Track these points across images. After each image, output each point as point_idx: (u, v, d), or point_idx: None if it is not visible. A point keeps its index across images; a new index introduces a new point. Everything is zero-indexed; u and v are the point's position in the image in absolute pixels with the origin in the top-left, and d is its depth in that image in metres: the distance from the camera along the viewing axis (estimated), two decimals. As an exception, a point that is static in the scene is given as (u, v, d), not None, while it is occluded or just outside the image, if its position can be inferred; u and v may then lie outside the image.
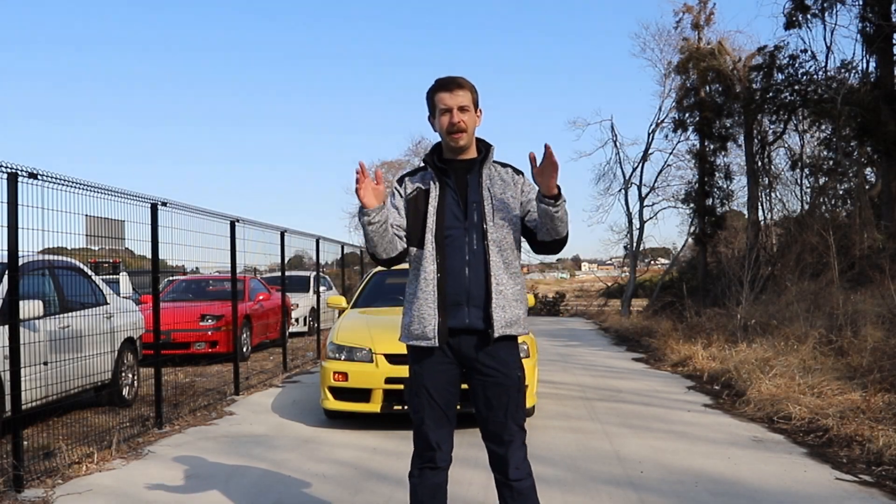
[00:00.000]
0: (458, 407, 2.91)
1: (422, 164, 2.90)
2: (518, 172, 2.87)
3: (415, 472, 2.81)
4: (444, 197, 2.77)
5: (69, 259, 6.72)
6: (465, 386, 2.84)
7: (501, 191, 2.78)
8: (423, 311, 2.72)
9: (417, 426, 2.79)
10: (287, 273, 11.03)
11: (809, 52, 16.43)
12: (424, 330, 2.72)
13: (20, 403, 4.48)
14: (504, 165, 2.88)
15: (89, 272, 7.11)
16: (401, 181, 2.89)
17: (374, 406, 5.79)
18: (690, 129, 21.24)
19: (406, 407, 5.67)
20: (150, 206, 6.14)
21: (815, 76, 16.36)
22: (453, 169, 2.80)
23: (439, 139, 2.84)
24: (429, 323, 2.71)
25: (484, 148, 2.83)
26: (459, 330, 2.72)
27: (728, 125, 20.09)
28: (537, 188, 2.68)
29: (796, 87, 16.69)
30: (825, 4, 15.53)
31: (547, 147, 2.50)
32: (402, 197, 2.84)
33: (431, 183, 2.80)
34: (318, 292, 13.16)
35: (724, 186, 20.73)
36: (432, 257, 2.73)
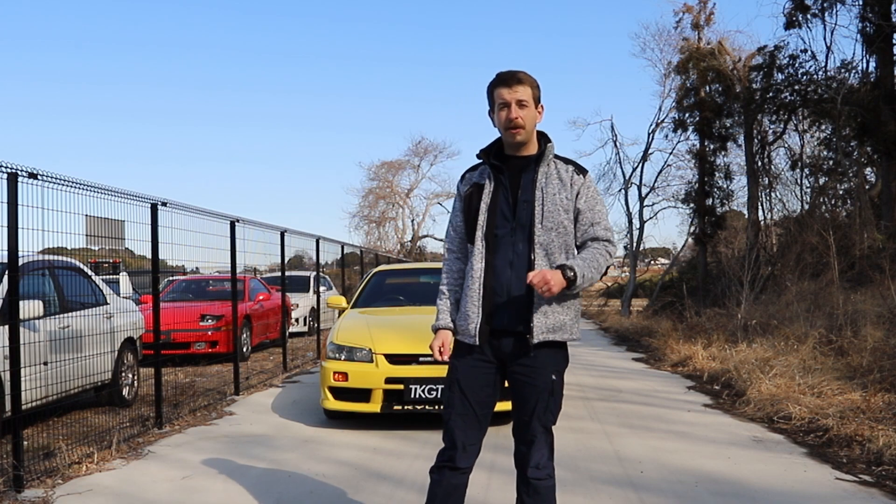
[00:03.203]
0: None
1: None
2: (580, 172, 2.76)
3: (435, 469, 2.81)
4: (496, 194, 2.74)
5: (69, 259, 6.73)
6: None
7: (556, 192, 2.70)
8: (468, 308, 2.73)
9: (446, 421, 2.79)
10: (287, 273, 11.03)
11: (809, 52, 16.44)
12: (468, 327, 2.72)
13: (20, 403, 4.48)
14: (567, 162, 2.79)
15: (89, 272, 7.11)
16: (462, 178, 2.89)
17: (374, 406, 5.79)
18: (690, 129, 21.23)
19: (406, 407, 5.70)
20: (150, 206, 6.14)
21: (815, 76, 16.36)
22: (510, 165, 2.76)
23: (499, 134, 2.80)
24: (472, 321, 2.71)
25: (544, 144, 2.77)
26: (500, 330, 2.71)
27: (728, 125, 20.08)
28: (595, 198, 2.74)
29: (796, 87, 16.69)
30: (825, 4, 15.53)
31: (529, 276, 2.52)
32: (460, 196, 2.86)
33: (487, 179, 2.78)
34: (318, 292, 13.17)
35: (724, 186, 20.72)
36: (480, 255, 2.72)
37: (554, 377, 2.72)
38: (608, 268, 2.78)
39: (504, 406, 2.89)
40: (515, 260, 2.68)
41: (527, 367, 2.70)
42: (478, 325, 2.70)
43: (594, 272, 2.64)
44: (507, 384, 2.83)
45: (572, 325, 2.74)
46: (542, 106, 2.77)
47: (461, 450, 2.75)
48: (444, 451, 2.79)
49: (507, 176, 2.75)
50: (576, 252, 2.74)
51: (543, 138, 2.79)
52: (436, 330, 2.86)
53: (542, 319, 2.65)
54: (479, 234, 2.73)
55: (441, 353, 2.81)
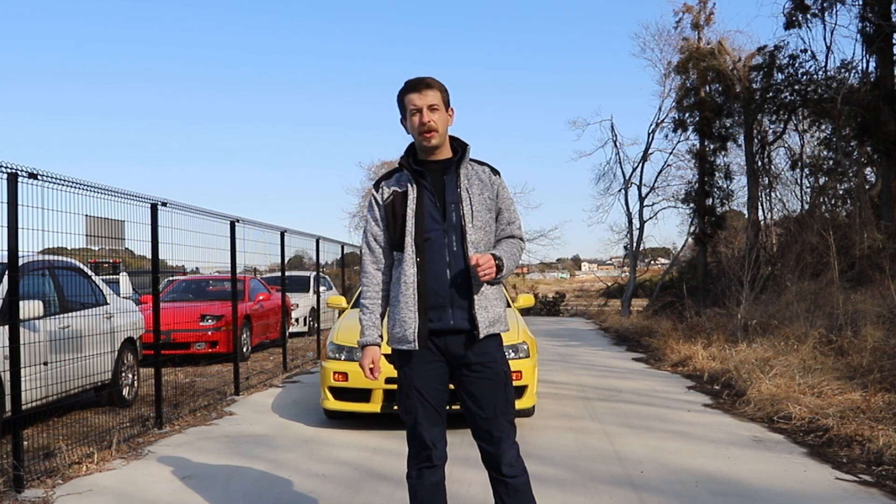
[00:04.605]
0: (451, 407, 2.92)
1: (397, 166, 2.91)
2: (495, 172, 2.89)
3: (412, 473, 2.82)
4: (421, 199, 2.77)
5: (69, 259, 6.72)
6: (452, 386, 2.85)
7: (479, 192, 2.80)
8: (403, 314, 2.74)
9: (411, 427, 2.80)
10: (287, 273, 11.03)
11: (809, 52, 16.44)
12: (405, 333, 2.73)
13: (20, 403, 4.48)
14: (481, 164, 2.89)
15: (89, 272, 7.11)
16: (377, 186, 2.89)
17: (374, 406, 5.79)
18: (690, 128, 21.24)
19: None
20: (150, 206, 6.14)
21: (815, 76, 16.36)
22: (429, 170, 2.80)
23: (412, 140, 2.85)
24: (409, 326, 2.72)
25: (460, 147, 2.83)
26: (445, 331, 2.73)
27: (728, 125, 20.08)
28: (509, 197, 2.88)
29: (796, 87, 16.68)
30: (825, 4, 15.53)
31: (471, 256, 2.63)
32: (379, 205, 2.85)
33: (409, 185, 2.80)
34: (318, 292, 13.17)
35: (724, 186, 20.73)
36: (412, 260, 2.73)
37: (505, 369, 2.80)
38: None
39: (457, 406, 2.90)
40: (452, 261, 2.73)
41: (477, 364, 2.74)
42: (416, 330, 2.71)
43: (513, 265, 2.79)
44: (451, 386, 2.84)
45: (505, 317, 2.86)
46: (452, 109, 2.83)
47: (433, 448, 2.78)
48: (418, 454, 2.81)
49: (430, 180, 2.79)
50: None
51: (458, 142, 2.86)
52: (363, 346, 2.85)
53: (484, 314, 2.73)
54: (409, 239, 2.74)
55: (372, 370, 2.82)
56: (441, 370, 2.79)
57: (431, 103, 2.72)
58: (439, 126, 2.74)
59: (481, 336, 2.71)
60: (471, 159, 2.86)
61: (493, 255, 2.67)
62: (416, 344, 2.71)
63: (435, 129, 2.73)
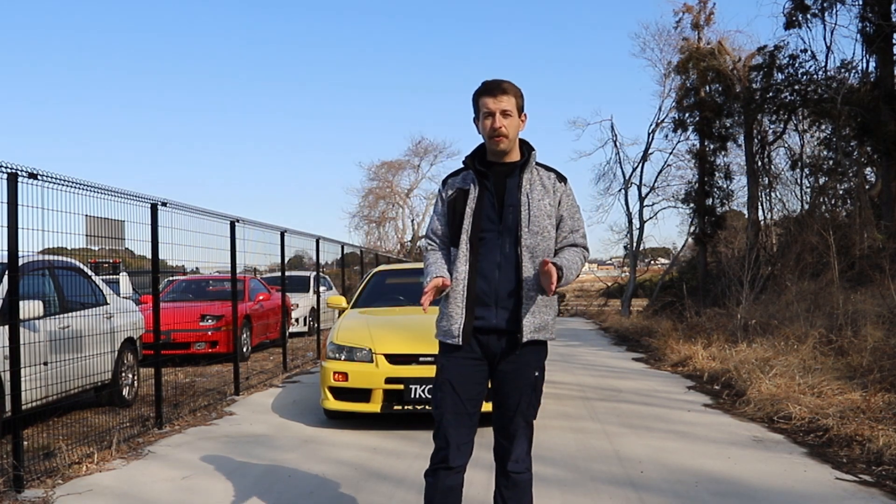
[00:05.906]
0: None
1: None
2: (561, 180, 2.88)
3: (429, 472, 2.84)
4: (481, 199, 2.81)
5: (69, 259, 6.72)
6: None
7: (540, 197, 2.80)
8: (451, 309, 2.79)
9: (438, 421, 2.82)
10: (287, 273, 11.03)
11: (809, 52, 16.47)
12: (451, 328, 2.78)
13: (20, 403, 4.48)
14: (548, 169, 2.89)
15: (89, 272, 7.11)
16: (444, 183, 2.95)
17: (374, 406, 5.79)
18: (690, 128, 21.26)
19: (406, 407, 5.70)
20: (150, 206, 6.14)
21: (815, 76, 16.37)
22: (494, 172, 2.83)
23: (482, 140, 2.87)
24: (455, 322, 2.76)
25: (527, 151, 2.85)
26: (488, 329, 2.77)
27: (728, 125, 20.10)
28: (574, 205, 2.88)
29: (796, 87, 16.70)
30: (825, 4, 15.54)
31: (544, 262, 2.62)
32: (444, 201, 2.90)
33: (472, 185, 2.84)
34: (318, 292, 13.16)
35: (724, 186, 20.75)
36: (465, 258, 2.78)
37: (536, 374, 2.82)
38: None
39: (489, 407, 2.93)
40: (503, 262, 2.76)
41: (512, 364, 2.78)
42: (461, 326, 2.75)
43: (572, 275, 2.77)
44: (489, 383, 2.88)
45: (553, 324, 2.86)
46: (524, 115, 2.85)
47: (455, 448, 2.78)
48: (437, 452, 2.83)
49: (492, 182, 2.82)
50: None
51: (526, 146, 2.87)
52: (431, 279, 2.76)
53: (530, 319, 2.74)
54: (465, 237, 2.78)
55: (438, 285, 2.72)
56: (480, 370, 2.81)
57: (504, 108, 2.74)
58: (510, 132, 2.76)
59: (524, 340, 2.73)
60: (538, 164, 2.87)
61: (554, 263, 2.65)
62: (460, 339, 2.75)
63: (505, 134, 2.75)
